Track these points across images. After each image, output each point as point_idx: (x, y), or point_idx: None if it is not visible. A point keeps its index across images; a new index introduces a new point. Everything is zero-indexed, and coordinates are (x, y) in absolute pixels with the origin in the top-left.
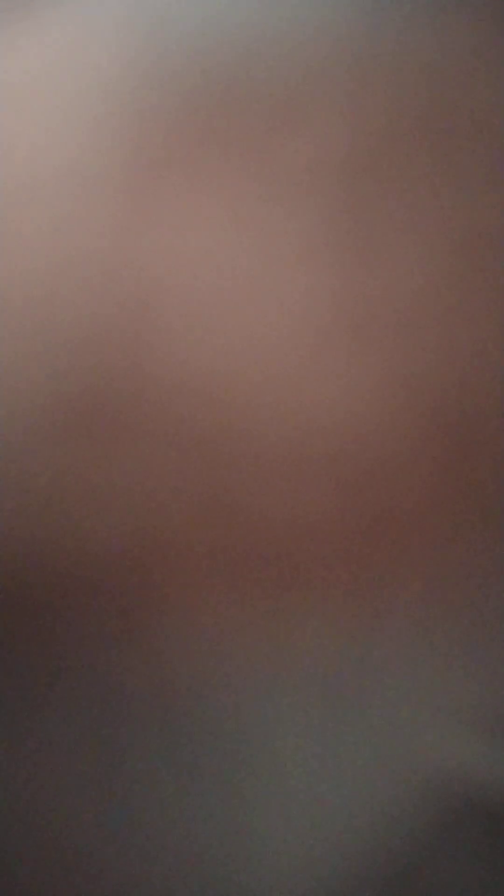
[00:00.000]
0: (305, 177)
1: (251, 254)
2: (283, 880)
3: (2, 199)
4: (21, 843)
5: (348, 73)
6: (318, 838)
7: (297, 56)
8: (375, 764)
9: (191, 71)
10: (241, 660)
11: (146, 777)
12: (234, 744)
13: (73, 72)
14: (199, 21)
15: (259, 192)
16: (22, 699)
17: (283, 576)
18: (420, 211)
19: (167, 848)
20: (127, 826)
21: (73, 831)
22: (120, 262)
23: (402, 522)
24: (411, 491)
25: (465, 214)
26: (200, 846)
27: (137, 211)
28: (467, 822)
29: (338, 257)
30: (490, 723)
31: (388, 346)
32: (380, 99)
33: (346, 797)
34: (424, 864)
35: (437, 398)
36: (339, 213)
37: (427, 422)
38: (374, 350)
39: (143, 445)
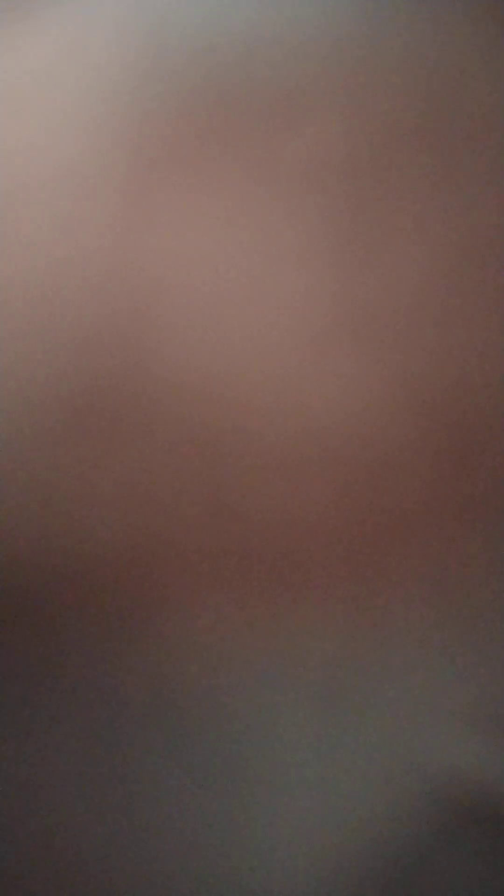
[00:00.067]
0: (305, 177)
1: (251, 254)
2: (284, 880)
3: (2, 199)
4: (21, 843)
5: (348, 73)
6: (318, 838)
7: (298, 56)
8: (375, 763)
9: (191, 71)
10: (241, 660)
11: (146, 777)
12: (234, 743)
13: (73, 72)
14: (199, 21)
15: (259, 192)
16: (22, 699)
17: (283, 576)
18: (420, 211)
19: (167, 848)
20: (127, 826)
21: (73, 831)
22: (120, 262)
23: (402, 522)
24: (411, 491)
25: (465, 214)
26: (201, 846)
27: (137, 211)
28: (467, 822)
29: (338, 257)
30: (490, 723)
31: (388, 346)
32: (380, 99)
33: (347, 797)
34: (425, 864)
35: (437, 398)
36: (339, 213)
37: (427, 422)
38: (374, 350)
39: (144, 445)
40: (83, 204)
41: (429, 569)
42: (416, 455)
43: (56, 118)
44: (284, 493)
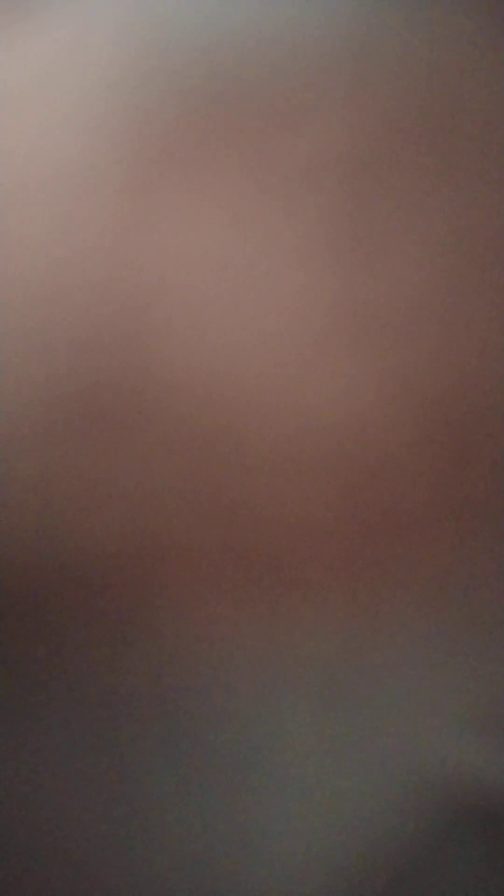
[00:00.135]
0: (305, 177)
1: (251, 254)
2: (284, 880)
3: (2, 199)
4: (21, 843)
5: (348, 73)
6: (318, 838)
7: (297, 56)
8: (375, 764)
9: (191, 71)
10: (241, 660)
11: (146, 777)
12: (233, 744)
13: (73, 72)
14: (199, 21)
15: (259, 191)
16: (22, 699)
17: (284, 576)
18: (420, 211)
19: (167, 848)
20: (127, 825)
21: (73, 831)
22: (120, 262)
23: (403, 523)
24: (411, 491)
25: (465, 214)
26: (201, 846)
27: (137, 211)
28: (467, 822)
29: (338, 257)
30: (490, 723)
31: (388, 346)
32: (380, 99)
33: (347, 796)
34: (425, 864)
35: (437, 398)
36: (339, 213)
37: (427, 422)
38: (374, 350)
39: (144, 445)
40: (83, 204)
41: (429, 568)
42: (416, 455)
43: (56, 118)
44: (284, 492)
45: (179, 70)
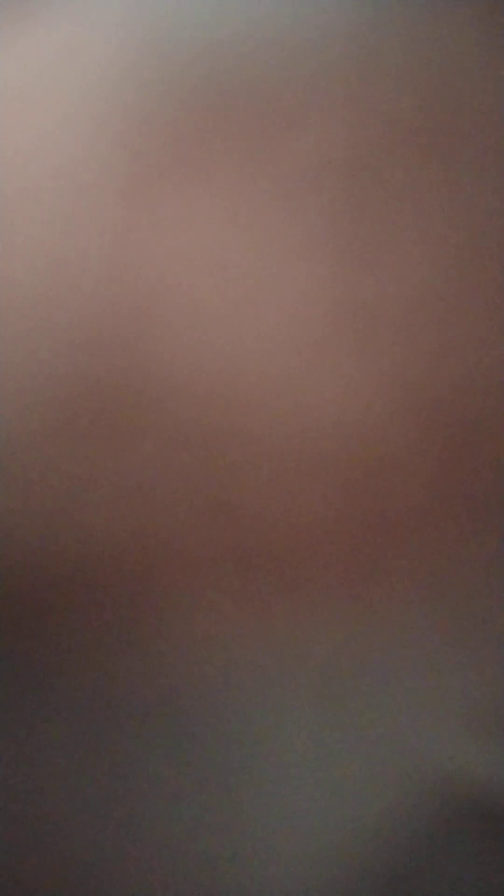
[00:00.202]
0: (306, 177)
1: (251, 254)
2: (284, 881)
3: (2, 199)
4: (21, 843)
5: (348, 72)
6: (317, 838)
7: (298, 56)
8: (375, 764)
9: (191, 71)
10: (241, 660)
11: (146, 777)
12: (233, 744)
13: (72, 73)
14: (199, 21)
15: (259, 192)
16: (22, 699)
17: (284, 576)
18: (420, 211)
19: (167, 848)
20: (127, 826)
21: (73, 831)
22: (120, 263)
23: (402, 523)
24: (411, 491)
25: (465, 214)
26: (201, 846)
27: (137, 211)
28: (467, 822)
29: (338, 257)
30: (490, 723)
31: (388, 346)
32: (380, 99)
33: (346, 796)
34: (424, 864)
35: (437, 398)
36: (340, 213)
37: (427, 421)
38: (374, 350)
39: (144, 445)
40: (83, 204)
41: (429, 568)
42: (416, 455)
43: (56, 118)
44: (284, 492)
45: (180, 70)
